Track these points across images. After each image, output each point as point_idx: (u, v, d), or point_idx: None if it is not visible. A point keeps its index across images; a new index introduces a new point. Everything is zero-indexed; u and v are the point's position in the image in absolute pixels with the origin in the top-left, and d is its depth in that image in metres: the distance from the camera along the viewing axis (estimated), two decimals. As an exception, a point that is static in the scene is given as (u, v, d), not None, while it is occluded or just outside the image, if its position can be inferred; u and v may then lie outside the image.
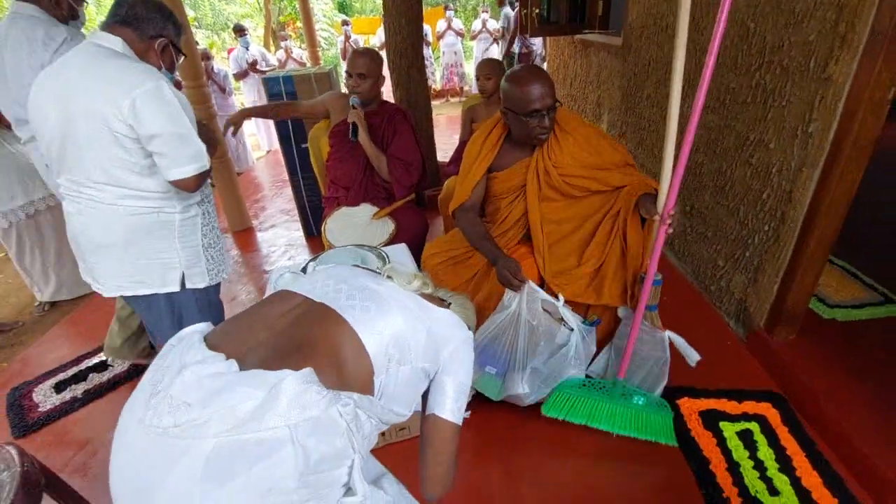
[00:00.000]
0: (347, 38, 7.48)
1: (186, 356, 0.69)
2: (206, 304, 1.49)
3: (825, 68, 1.46)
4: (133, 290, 1.37)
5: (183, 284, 1.40)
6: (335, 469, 0.70)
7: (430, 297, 0.92)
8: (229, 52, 7.57)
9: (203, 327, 0.79)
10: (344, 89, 2.21)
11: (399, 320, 0.80)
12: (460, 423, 0.87)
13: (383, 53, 2.73)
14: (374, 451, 1.50)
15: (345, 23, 8.03)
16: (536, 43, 5.99)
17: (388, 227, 2.03)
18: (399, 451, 1.55)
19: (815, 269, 1.64)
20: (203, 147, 1.28)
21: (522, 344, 1.42)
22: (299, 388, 0.65)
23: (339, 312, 0.77)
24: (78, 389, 1.97)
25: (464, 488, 1.44)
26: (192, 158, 1.24)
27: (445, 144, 4.50)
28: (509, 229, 1.61)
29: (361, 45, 8.09)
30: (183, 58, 1.42)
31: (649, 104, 2.73)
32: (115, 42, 1.23)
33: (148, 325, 1.58)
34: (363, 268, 0.91)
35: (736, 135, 1.91)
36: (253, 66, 5.51)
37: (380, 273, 0.90)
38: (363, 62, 2.02)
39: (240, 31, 5.54)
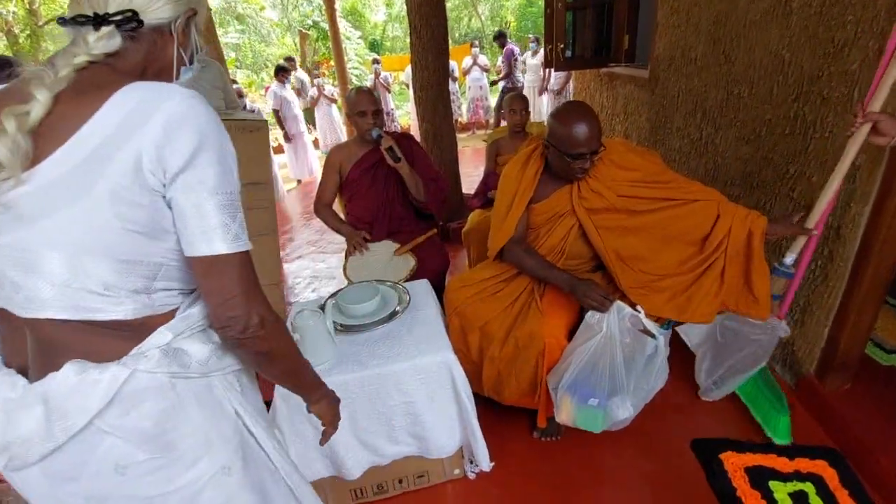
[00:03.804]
0: (377, 75, 7.77)
1: None
2: None
3: (871, 98, 1.38)
4: None
5: None
6: (210, 410, 0.66)
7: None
8: (266, 89, 7.95)
9: None
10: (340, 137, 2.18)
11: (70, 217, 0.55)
12: (247, 248, 0.60)
13: (410, 90, 2.78)
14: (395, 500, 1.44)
15: (375, 61, 8.36)
16: (521, 80, 6.96)
17: (409, 263, 2.01)
18: (415, 500, 1.47)
19: (870, 311, 1.51)
20: None
21: (621, 364, 1.34)
22: (70, 385, 0.56)
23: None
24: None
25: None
26: None
27: (470, 177, 4.51)
28: (545, 255, 1.58)
29: (391, 81, 8.37)
30: None
31: (679, 136, 2.66)
32: None
33: None
34: None
35: (774, 167, 1.82)
36: (299, 92, 6.58)
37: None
38: (372, 98, 2.01)
39: (284, 71, 5.79)
